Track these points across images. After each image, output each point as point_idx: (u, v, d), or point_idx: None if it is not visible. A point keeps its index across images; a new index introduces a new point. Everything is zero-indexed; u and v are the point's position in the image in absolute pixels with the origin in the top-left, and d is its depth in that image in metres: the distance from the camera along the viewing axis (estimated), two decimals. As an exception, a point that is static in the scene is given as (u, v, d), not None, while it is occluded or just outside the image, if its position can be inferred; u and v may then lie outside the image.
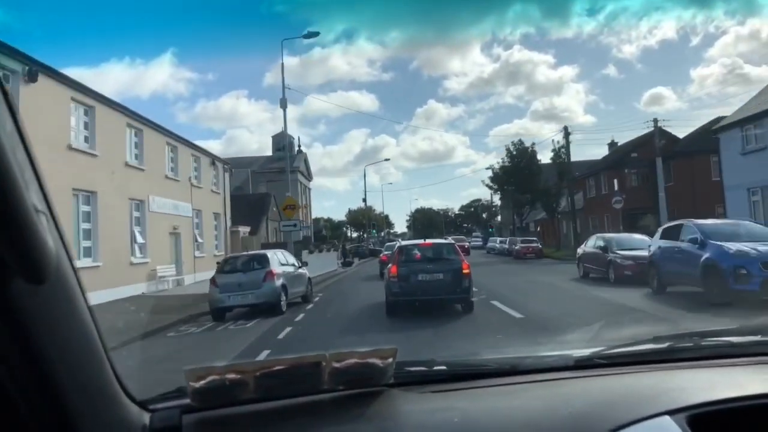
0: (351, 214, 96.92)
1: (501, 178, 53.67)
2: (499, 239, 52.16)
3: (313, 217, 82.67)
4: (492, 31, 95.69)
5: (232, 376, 1.17)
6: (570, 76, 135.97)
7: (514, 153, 42.50)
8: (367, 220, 78.86)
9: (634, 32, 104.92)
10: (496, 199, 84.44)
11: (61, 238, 0.90)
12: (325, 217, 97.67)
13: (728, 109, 37.31)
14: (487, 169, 57.30)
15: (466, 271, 11.54)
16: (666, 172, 35.18)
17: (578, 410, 1.21)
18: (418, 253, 12.28)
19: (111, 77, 74.09)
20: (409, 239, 30.04)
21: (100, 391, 1.03)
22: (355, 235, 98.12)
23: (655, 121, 30.88)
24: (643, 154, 35.93)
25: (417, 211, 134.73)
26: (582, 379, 1.44)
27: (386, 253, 25.25)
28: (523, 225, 54.98)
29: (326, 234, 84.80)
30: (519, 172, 42.51)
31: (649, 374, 1.45)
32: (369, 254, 52.86)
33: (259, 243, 36.32)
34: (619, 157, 36.66)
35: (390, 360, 1.27)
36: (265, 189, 62.21)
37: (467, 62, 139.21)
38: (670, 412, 1.14)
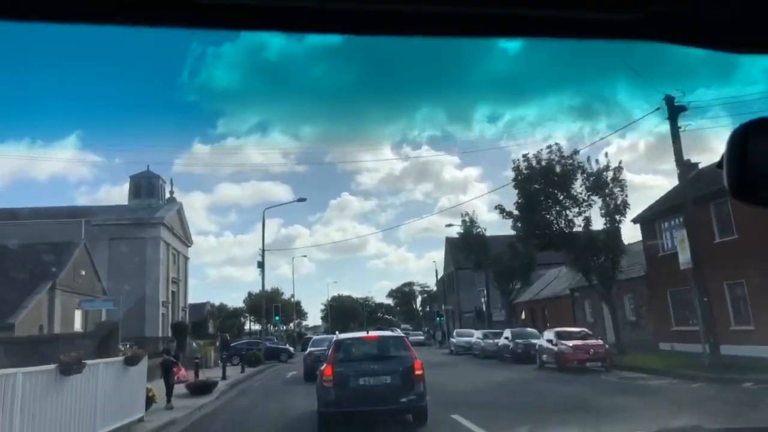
0: (251, 299, 74.03)
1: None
2: (478, 333, 32.10)
3: (195, 301, 59.64)
4: (402, 131, 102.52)
5: None
6: (474, 176, 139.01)
7: (537, 167, 23.05)
8: (269, 304, 57.12)
9: (530, 139, 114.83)
10: (432, 282, 65.54)
11: None
12: (217, 303, 74.16)
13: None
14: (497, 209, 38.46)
15: (419, 372, 9.45)
16: None
17: None
18: (359, 350, 10.19)
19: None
20: (323, 332, 23.86)
21: None
22: (256, 327, 74.77)
23: None
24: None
25: (334, 299, 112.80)
26: None
27: (313, 349, 21.30)
28: (510, 306, 35.60)
29: (212, 324, 61.52)
30: (537, 209, 23.28)
31: None
32: (266, 357, 31.47)
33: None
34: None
35: None
36: (107, 250, 39.70)
37: (379, 159, 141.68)
38: None
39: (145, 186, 45.50)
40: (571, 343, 19.52)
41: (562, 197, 22.55)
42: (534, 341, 24.62)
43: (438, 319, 55.32)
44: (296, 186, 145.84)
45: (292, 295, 69.16)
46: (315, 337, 26.73)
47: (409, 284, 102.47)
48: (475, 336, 31.65)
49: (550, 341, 20.89)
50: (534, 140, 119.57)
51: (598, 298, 28.16)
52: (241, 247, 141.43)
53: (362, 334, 12.01)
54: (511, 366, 23.07)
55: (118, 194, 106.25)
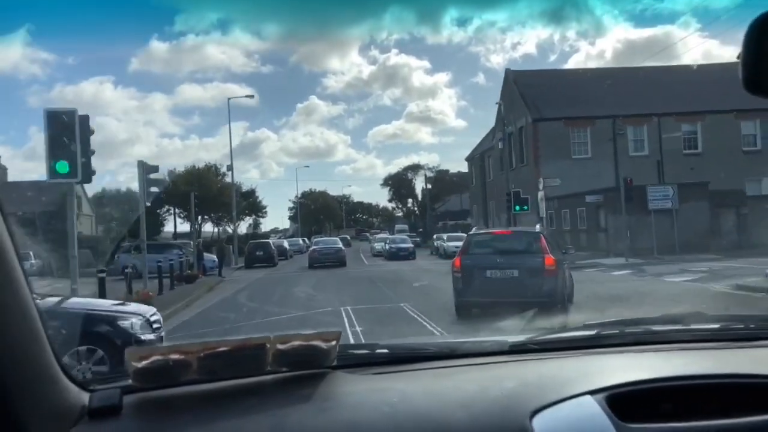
0: (179, 175, 45.81)
1: None
2: None
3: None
4: (370, 33, 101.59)
5: (175, 356, 1.16)
6: (443, 82, 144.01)
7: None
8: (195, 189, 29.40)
9: (500, 45, 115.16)
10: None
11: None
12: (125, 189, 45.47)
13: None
14: None
15: (550, 267, 9.68)
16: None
17: (509, 390, 1.26)
18: (489, 245, 11.07)
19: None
20: (291, 237, 32.22)
21: (38, 371, 1.03)
22: (181, 227, 46.77)
23: None
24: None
25: (305, 195, 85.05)
26: (515, 363, 1.48)
27: (315, 247, 28.99)
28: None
29: (88, 219, 33.89)
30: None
31: (577, 359, 1.51)
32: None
33: None
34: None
35: (333, 343, 1.29)
36: None
37: (346, 62, 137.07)
38: (592, 392, 1.20)
39: None
40: None
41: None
42: None
43: (516, 208, 28.43)
44: (261, 88, 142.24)
45: (229, 167, 40.69)
46: (317, 239, 35.40)
47: (414, 167, 73.17)
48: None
49: None
50: (503, 46, 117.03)
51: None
52: (206, 151, 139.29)
53: (494, 230, 15.03)
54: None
55: (72, 95, 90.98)
